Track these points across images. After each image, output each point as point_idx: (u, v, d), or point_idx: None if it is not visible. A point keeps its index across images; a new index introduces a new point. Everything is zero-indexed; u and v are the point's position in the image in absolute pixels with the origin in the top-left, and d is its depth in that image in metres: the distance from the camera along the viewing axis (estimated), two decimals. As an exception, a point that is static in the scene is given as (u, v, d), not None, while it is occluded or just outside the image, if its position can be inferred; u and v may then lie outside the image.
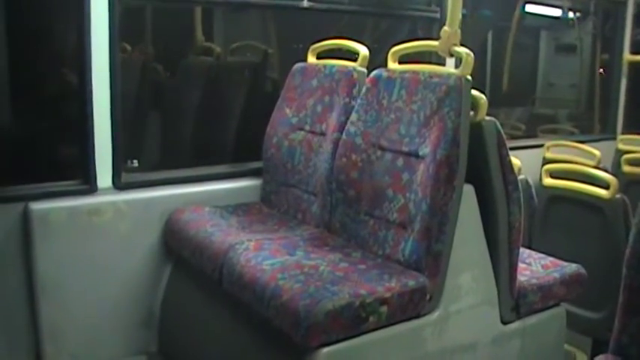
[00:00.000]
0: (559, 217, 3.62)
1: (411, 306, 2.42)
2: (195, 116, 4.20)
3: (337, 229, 2.90)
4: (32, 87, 3.42)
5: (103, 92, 2.92)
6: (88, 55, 2.86)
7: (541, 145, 4.62)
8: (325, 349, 2.23)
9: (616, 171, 4.37)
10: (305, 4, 3.46)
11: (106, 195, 2.98)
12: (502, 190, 2.64)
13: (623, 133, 5.32)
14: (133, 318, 3.09)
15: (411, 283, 2.42)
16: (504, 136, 2.64)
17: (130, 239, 3.03)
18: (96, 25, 2.86)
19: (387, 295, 2.33)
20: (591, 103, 6.07)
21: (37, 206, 2.80)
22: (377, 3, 4.06)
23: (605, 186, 3.37)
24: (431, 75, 2.66)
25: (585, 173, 3.55)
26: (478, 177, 2.60)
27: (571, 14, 6.32)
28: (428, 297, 2.47)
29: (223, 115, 4.14)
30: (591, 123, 5.96)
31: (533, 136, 5.63)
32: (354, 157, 2.84)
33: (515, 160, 3.04)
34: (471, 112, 2.57)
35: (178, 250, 3.02)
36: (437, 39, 2.71)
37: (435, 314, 2.54)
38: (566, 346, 3.13)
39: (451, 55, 2.70)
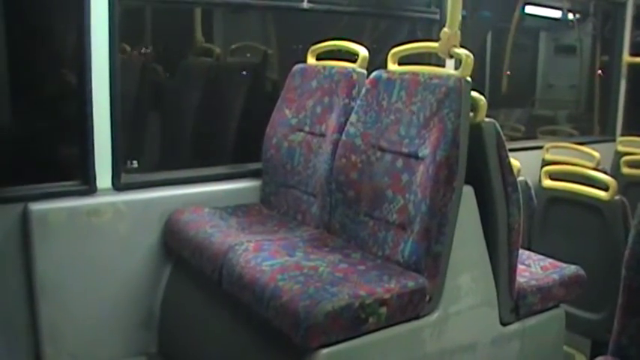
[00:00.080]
0: (558, 219, 3.62)
1: (411, 307, 2.42)
2: (194, 117, 4.20)
3: (337, 230, 2.90)
4: (32, 87, 3.42)
5: (102, 93, 2.92)
6: (88, 56, 2.86)
7: (540, 147, 4.62)
8: (325, 350, 2.23)
9: (615, 173, 4.38)
10: (305, 5, 3.47)
11: (105, 196, 2.98)
12: (501, 191, 2.64)
13: (622, 135, 5.33)
14: (132, 319, 3.09)
15: (411, 284, 2.42)
16: (504, 138, 2.64)
17: (130, 240, 3.03)
18: (96, 26, 2.87)
19: (387, 296, 2.33)
20: (591, 104, 6.07)
21: (36, 207, 2.80)
22: (376, 4, 4.06)
23: (605, 188, 3.37)
24: (430, 76, 2.67)
25: (584, 175, 3.56)
26: (477, 178, 2.60)
27: (571, 15, 6.32)
28: (427, 298, 2.48)
29: (223, 116, 4.14)
30: (591, 124, 5.96)
31: (533, 137, 5.63)
32: (353, 158, 2.84)
33: (515, 162, 3.04)
34: (471, 114, 2.57)
35: (178, 250, 3.02)
36: (436, 40, 2.72)
37: (435, 315, 2.54)
38: (565, 347, 3.13)
39: (451, 57, 2.70)
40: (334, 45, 3.35)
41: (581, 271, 2.94)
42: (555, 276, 2.86)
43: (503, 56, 5.86)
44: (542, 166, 3.85)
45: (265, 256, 2.57)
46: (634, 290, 1.93)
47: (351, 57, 3.21)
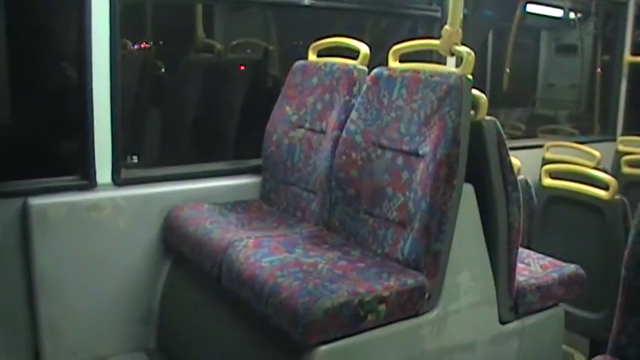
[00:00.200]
0: (558, 218, 3.62)
1: (410, 305, 2.42)
2: (195, 113, 4.20)
3: (336, 227, 2.90)
4: (32, 82, 3.42)
5: (103, 88, 2.91)
6: (89, 51, 2.86)
7: (541, 146, 4.62)
8: (323, 347, 2.23)
9: (616, 172, 4.38)
10: (306, 1, 3.46)
11: (105, 191, 2.98)
12: (502, 189, 2.64)
13: (623, 135, 5.33)
14: (131, 314, 3.09)
15: (410, 281, 2.42)
16: (504, 136, 2.64)
17: (129, 235, 3.03)
18: (96, 21, 2.86)
19: (386, 293, 2.33)
20: (591, 104, 6.07)
21: (36, 201, 2.80)
22: (378, 1, 4.06)
23: (605, 187, 3.37)
24: (431, 74, 2.66)
25: (585, 174, 3.55)
26: (478, 176, 2.60)
27: (572, 15, 6.32)
28: (427, 296, 2.47)
29: (223, 113, 4.14)
30: (591, 124, 5.96)
31: (533, 136, 5.63)
32: (353, 155, 2.84)
33: (515, 160, 3.04)
34: (472, 112, 2.56)
35: (177, 246, 3.02)
36: (438, 38, 2.71)
37: (434, 313, 2.54)
38: (564, 346, 3.14)
39: (452, 55, 2.70)
40: (335, 42, 3.34)
41: (581, 271, 2.94)
42: (555, 275, 2.86)
43: (504, 55, 5.86)
44: (543, 165, 3.85)
45: (265, 253, 2.56)
46: (633, 290, 1.93)
47: (352, 54, 3.20)
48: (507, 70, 5.83)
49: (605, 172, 3.81)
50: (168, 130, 4.28)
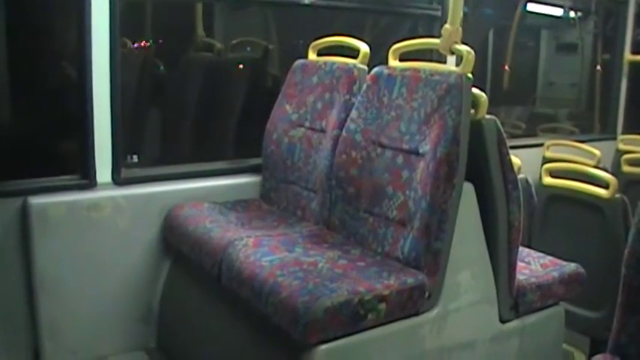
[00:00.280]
0: (558, 217, 3.62)
1: (410, 303, 2.42)
2: (195, 112, 4.20)
3: (336, 226, 2.90)
4: (32, 82, 3.42)
5: (103, 87, 2.91)
6: (89, 50, 2.86)
7: (541, 144, 4.62)
8: (323, 346, 2.23)
9: (616, 171, 4.38)
10: (306, 0, 3.46)
11: (105, 190, 2.98)
12: (502, 188, 2.63)
13: (623, 133, 5.33)
14: (131, 313, 3.09)
15: (410, 280, 2.41)
16: (504, 135, 2.63)
17: (129, 235, 3.03)
18: (96, 20, 2.86)
19: (386, 292, 2.33)
20: (592, 102, 6.07)
21: (35, 201, 2.80)
22: (378, 0, 4.06)
23: (605, 186, 3.37)
24: (432, 73, 2.66)
25: (585, 173, 3.55)
26: (478, 175, 2.60)
27: (572, 13, 6.32)
28: (427, 295, 2.47)
29: (223, 112, 4.14)
30: (591, 123, 5.96)
31: (533, 135, 5.63)
32: (353, 154, 2.84)
33: (515, 159, 3.04)
34: (472, 110, 2.56)
35: (177, 245, 3.02)
36: (438, 37, 2.71)
37: (434, 312, 2.54)
38: (564, 345, 3.14)
39: (452, 53, 2.69)
40: (335, 41, 3.34)
41: (581, 269, 2.94)
42: (555, 274, 2.86)
43: (504, 54, 5.86)
44: (543, 164, 3.85)
45: (265, 252, 2.56)
46: (634, 289, 1.93)
47: (352, 53, 3.20)
48: (506, 67, 5.83)
49: (606, 170, 3.81)
50: (168, 130, 4.27)
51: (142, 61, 4.18)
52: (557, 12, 6.39)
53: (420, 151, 2.59)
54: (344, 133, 2.89)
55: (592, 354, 2.78)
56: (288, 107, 3.32)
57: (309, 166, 3.14)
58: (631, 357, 1.95)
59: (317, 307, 2.17)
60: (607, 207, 3.34)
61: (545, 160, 4.25)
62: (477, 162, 2.59)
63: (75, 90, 2.97)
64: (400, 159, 2.68)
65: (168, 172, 3.25)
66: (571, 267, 2.93)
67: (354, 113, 2.89)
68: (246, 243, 2.65)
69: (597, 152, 4.25)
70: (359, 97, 2.92)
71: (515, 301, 2.74)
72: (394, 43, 2.98)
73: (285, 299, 2.24)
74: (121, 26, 2.95)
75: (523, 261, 2.93)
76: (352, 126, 2.87)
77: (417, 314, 2.48)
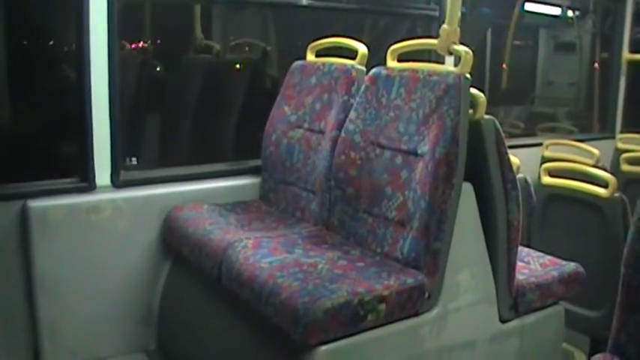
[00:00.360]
0: (558, 216, 3.62)
1: (410, 304, 2.42)
2: (193, 114, 4.20)
3: (336, 226, 2.90)
4: (31, 84, 3.42)
5: (101, 90, 2.91)
6: (87, 53, 2.86)
7: (540, 144, 4.62)
8: (323, 347, 2.23)
9: (615, 170, 4.38)
10: (304, 1, 3.46)
11: (104, 193, 2.98)
12: (501, 188, 2.64)
13: (622, 132, 5.33)
14: (131, 315, 3.09)
15: (410, 281, 2.42)
16: (503, 135, 2.64)
17: (129, 237, 3.03)
18: (95, 23, 2.86)
19: (386, 293, 2.33)
20: (590, 101, 6.07)
21: (35, 204, 2.80)
22: (376, 1, 4.06)
23: (604, 185, 3.37)
24: (430, 73, 2.66)
25: (584, 172, 3.55)
26: (477, 175, 2.60)
27: (570, 13, 6.32)
28: (426, 295, 2.47)
29: (222, 113, 4.14)
30: (590, 122, 5.96)
31: (532, 134, 5.63)
32: (352, 154, 2.84)
33: (514, 159, 3.04)
34: (470, 111, 2.56)
35: (177, 247, 3.02)
36: (436, 37, 2.71)
37: (434, 312, 2.54)
38: (564, 344, 3.14)
39: (450, 54, 2.70)
40: (333, 42, 3.34)
41: (581, 269, 2.94)
42: (554, 273, 2.86)
43: (503, 53, 5.86)
44: (542, 163, 3.85)
45: (264, 253, 2.57)
46: (633, 288, 1.93)
47: (351, 54, 3.20)
48: (504, 66, 5.83)
49: (605, 169, 3.81)
50: (167, 132, 4.27)
51: (140, 63, 4.18)
52: (556, 11, 6.39)
53: (419, 151, 2.60)
54: (343, 134, 2.89)
55: (592, 353, 2.78)
56: (286, 108, 3.32)
57: (308, 167, 3.14)
58: (631, 356, 1.96)
59: (317, 308, 2.17)
60: (606, 206, 3.34)
61: (544, 160, 4.26)
62: (476, 162, 2.59)
63: (73, 92, 2.97)
64: (399, 159, 2.68)
65: (168, 174, 3.25)
66: (570, 266, 2.93)
67: (352, 114, 2.89)
68: (245, 244, 2.65)
69: (596, 151, 4.25)
70: (357, 98, 2.92)
71: (515, 300, 2.74)
72: (392, 43, 2.98)
73: (285, 300, 2.24)
74: (120, 28, 2.95)
75: (522, 260, 2.93)
76: (351, 127, 2.87)
77: (416, 314, 2.48)
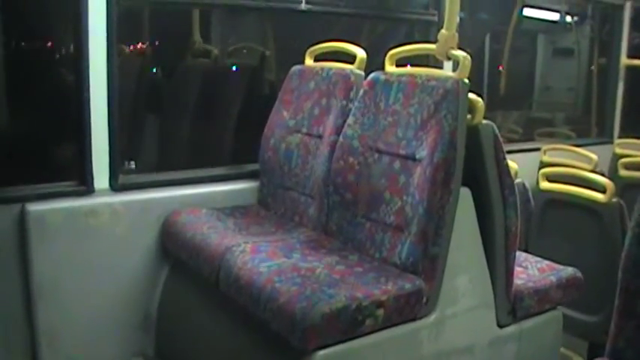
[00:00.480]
0: (556, 221, 3.62)
1: (408, 309, 2.42)
2: (192, 118, 4.20)
3: (334, 231, 2.90)
4: (30, 88, 3.42)
5: (100, 93, 2.91)
6: (86, 57, 2.86)
7: (538, 149, 4.62)
8: (322, 352, 2.23)
9: (613, 175, 4.38)
10: (303, 6, 3.47)
11: (103, 196, 2.97)
12: (499, 193, 2.64)
13: (620, 137, 5.33)
14: (130, 320, 3.08)
15: (408, 286, 2.42)
16: (501, 140, 2.64)
17: (127, 241, 3.03)
18: (94, 26, 2.86)
19: (384, 298, 2.33)
20: (588, 106, 6.08)
21: (33, 207, 2.79)
22: (375, 6, 4.06)
23: (602, 190, 3.38)
24: (428, 78, 2.67)
25: (582, 177, 3.56)
26: (475, 180, 2.60)
27: (568, 18, 6.33)
28: (424, 300, 2.47)
29: (220, 118, 4.14)
30: (588, 127, 5.96)
31: (530, 139, 5.64)
32: (351, 159, 2.84)
33: (512, 164, 3.04)
34: (468, 116, 2.57)
35: (175, 252, 3.01)
36: (434, 42, 2.72)
37: (432, 317, 2.54)
38: (562, 349, 3.14)
39: (448, 59, 2.70)
40: (332, 46, 3.34)
41: (579, 274, 2.94)
42: (552, 278, 2.86)
43: (501, 58, 5.87)
44: (540, 168, 3.86)
45: (262, 258, 2.56)
46: (631, 293, 1.93)
47: (349, 59, 3.20)
48: (500, 68, 5.83)
49: (603, 174, 3.81)
50: (166, 136, 4.27)
51: (138, 67, 4.18)
52: (554, 17, 6.40)
53: (417, 156, 2.60)
54: (341, 139, 2.90)
55: (590, 358, 2.79)
56: (285, 113, 3.32)
57: (306, 172, 3.14)
58: (629, 361, 1.96)
59: (315, 313, 2.17)
60: (604, 211, 3.35)
61: (542, 165, 4.26)
62: (474, 167, 2.59)
63: (72, 96, 2.97)
64: (397, 164, 2.69)
65: (166, 178, 3.24)
66: (568, 271, 2.93)
67: (351, 119, 2.90)
68: (244, 249, 2.65)
69: (594, 156, 4.25)
70: (356, 103, 2.92)
71: (513, 305, 2.74)
72: (391, 48, 2.98)
73: (283, 305, 2.24)
74: (118, 32, 2.95)
75: (520, 266, 2.93)
76: (349, 132, 2.87)
77: (414, 319, 2.48)
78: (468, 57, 2.57)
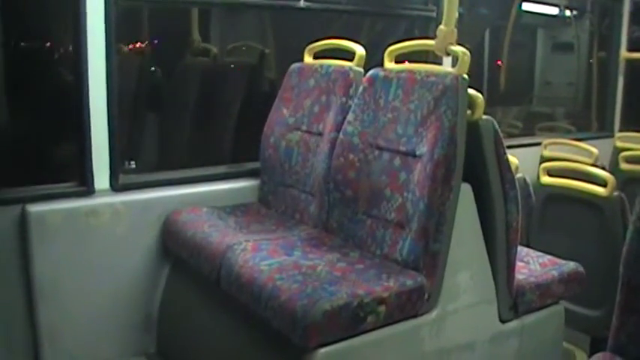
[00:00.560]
0: (557, 216, 3.62)
1: (409, 305, 2.42)
2: (192, 117, 4.20)
3: (335, 229, 2.90)
4: (28, 88, 3.42)
5: (99, 93, 2.91)
6: (85, 56, 2.86)
7: (538, 144, 4.62)
8: (323, 350, 2.23)
9: (613, 169, 4.38)
10: (302, 4, 3.46)
11: (103, 197, 2.97)
12: (499, 188, 2.64)
13: (620, 131, 5.33)
14: (131, 319, 3.09)
15: (409, 282, 2.42)
16: (501, 135, 2.64)
17: (128, 241, 3.03)
18: (92, 26, 2.86)
19: (385, 294, 2.33)
20: (588, 100, 6.07)
21: (34, 208, 2.79)
22: (374, 2, 4.06)
23: (603, 184, 3.37)
24: (427, 74, 2.66)
25: (583, 171, 3.56)
26: (475, 176, 2.60)
27: (568, 12, 6.32)
28: (426, 296, 2.47)
29: (220, 116, 4.14)
30: (588, 121, 5.96)
31: (531, 134, 5.63)
32: (351, 156, 2.84)
33: (513, 159, 3.04)
34: (468, 111, 2.56)
35: (176, 251, 3.02)
36: (433, 38, 2.71)
37: (433, 313, 2.54)
38: (564, 344, 3.14)
39: (448, 54, 2.69)
40: (331, 44, 3.34)
41: (580, 268, 2.94)
42: (554, 273, 2.86)
43: (501, 53, 5.86)
44: (541, 163, 3.85)
45: (263, 256, 2.57)
46: (632, 288, 1.93)
47: (349, 56, 3.20)
48: (501, 65, 5.83)
49: (603, 168, 3.82)
50: (165, 135, 4.27)
51: (138, 67, 4.18)
52: (553, 11, 6.39)
53: (417, 152, 2.60)
54: (341, 136, 2.89)
55: (592, 352, 2.79)
56: (285, 111, 3.32)
57: (306, 170, 3.14)
58: (630, 355, 1.96)
59: (316, 311, 2.17)
60: (605, 205, 3.35)
61: (543, 159, 4.26)
62: (475, 163, 2.59)
63: (72, 96, 2.97)
64: (397, 161, 2.68)
65: (166, 177, 3.24)
66: (570, 266, 2.93)
67: (350, 116, 2.89)
68: (245, 247, 2.65)
69: (595, 150, 4.25)
70: (355, 100, 2.92)
71: (515, 300, 2.74)
72: (390, 44, 2.98)
73: (285, 303, 2.24)
74: (117, 31, 2.95)
75: (522, 261, 2.93)
76: (349, 129, 2.87)
77: (416, 316, 2.48)
78: (467, 53, 2.57)
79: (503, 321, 2.74)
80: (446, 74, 2.59)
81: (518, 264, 2.82)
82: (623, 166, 4.40)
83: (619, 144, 4.93)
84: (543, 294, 2.81)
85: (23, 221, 2.79)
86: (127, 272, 3.05)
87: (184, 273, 3.04)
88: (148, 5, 4.19)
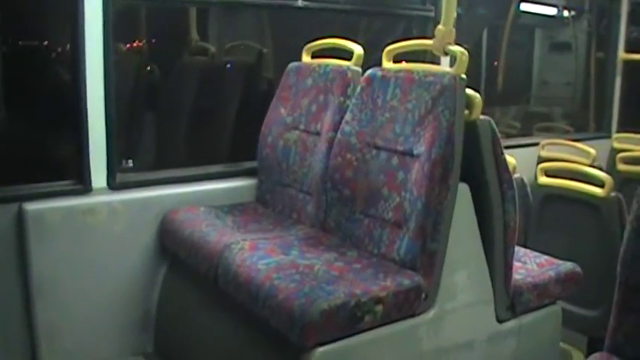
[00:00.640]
0: (554, 216, 3.62)
1: (407, 305, 2.42)
2: (190, 116, 4.19)
3: (332, 228, 2.90)
4: (27, 87, 3.41)
5: (97, 92, 2.91)
6: (82, 55, 2.86)
7: (536, 144, 4.63)
8: (321, 349, 2.23)
9: (611, 169, 4.38)
10: (300, 3, 3.46)
11: (100, 195, 2.97)
12: (497, 188, 2.64)
13: (618, 132, 5.33)
14: (129, 318, 3.08)
15: (407, 282, 2.42)
16: (499, 135, 2.64)
17: (126, 239, 3.03)
18: (90, 24, 2.86)
19: (383, 294, 2.33)
20: (586, 101, 6.07)
21: (31, 207, 2.79)
22: (372, 2, 4.06)
23: (600, 184, 3.38)
24: (425, 74, 2.66)
25: (580, 172, 3.56)
26: (473, 176, 2.60)
27: (566, 12, 6.32)
28: (423, 296, 2.47)
29: (218, 115, 4.13)
30: (586, 121, 5.96)
31: (529, 134, 5.64)
32: (348, 156, 2.84)
33: (510, 159, 3.04)
34: (466, 111, 2.57)
35: (174, 250, 3.01)
36: (431, 38, 2.71)
37: (431, 313, 2.54)
38: (561, 344, 3.14)
39: (446, 54, 2.70)
40: (329, 43, 3.34)
41: (578, 268, 2.94)
42: (551, 273, 2.86)
43: (498, 53, 5.86)
44: (538, 163, 3.85)
45: (261, 255, 2.56)
46: (629, 287, 1.93)
47: (346, 55, 3.20)
48: (499, 65, 5.83)
49: (601, 169, 3.81)
50: (163, 134, 4.26)
51: (135, 66, 4.17)
52: (551, 11, 6.39)
53: (415, 152, 2.60)
54: (339, 136, 2.89)
55: (590, 352, 2.78)
56: (282, 110, 3.32)
57: (304, 169, 3.14)
58: (628, 356, 1.96)
59: (313, 310, 2.17)
60: (603, 206, 3.35)
61: (541, 160, 4.26)
62: (472, 162, 2.59)
63: (69, 94, 2.97)
64: (395, 160, 2.68)
65: (164, 176, 3.24)
66: (567, 266, 2.93)
67: (348, 115, 2.89)
68: (242, 246, 2.65)
69: (592, 151, 4.26)
70: (353, 100, 2.92)
71: (512, 300, 2.74)
72: (388, 44, 2.98)
73: (282, 302, 2.24)
74: (115, 30, 2.94)
75: (519, 261, 2.93)
76: (347, 128, 2.87)
77: (413, 315, 2.48)
78: (465, 52, 2.57)
79: (500, 321, 2.74)
80: (444, 74, 2.59)
81: (516, 264, 2.82)
82: (621, 166, 4.40)
83: (616, 145, 4.94)
84: (541, 294, 2.82)
85: (20, 219, 2.79)
86: (124, 271, 3.05)
87: (182, 272, 3.03)
88: (145, 4, 4.19)
